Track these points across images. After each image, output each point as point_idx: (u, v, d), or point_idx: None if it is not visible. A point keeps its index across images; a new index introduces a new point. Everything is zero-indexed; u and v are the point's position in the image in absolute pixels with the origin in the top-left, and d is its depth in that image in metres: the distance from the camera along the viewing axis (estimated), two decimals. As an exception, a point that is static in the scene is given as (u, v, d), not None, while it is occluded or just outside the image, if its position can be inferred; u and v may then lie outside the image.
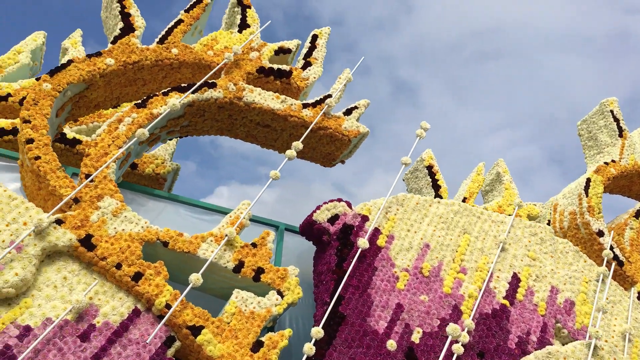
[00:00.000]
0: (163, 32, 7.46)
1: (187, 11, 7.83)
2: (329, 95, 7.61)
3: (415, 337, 5.91)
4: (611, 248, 7.93)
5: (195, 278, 5.34)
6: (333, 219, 6.55)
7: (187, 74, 7.49)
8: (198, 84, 6.87)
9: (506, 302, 6.54)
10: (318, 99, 7.56)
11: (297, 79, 7.83)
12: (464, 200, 10.88)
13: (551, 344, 6.37)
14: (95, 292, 5.13)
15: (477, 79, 40.04)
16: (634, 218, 9.39)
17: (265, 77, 7.65)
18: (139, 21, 7.33)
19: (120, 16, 7.27)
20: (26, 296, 4.86)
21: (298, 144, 6.73)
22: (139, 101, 6.58)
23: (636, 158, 9.31)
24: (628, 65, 35.17)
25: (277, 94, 7.36)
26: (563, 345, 6.47)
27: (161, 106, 6.56)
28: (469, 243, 6.92)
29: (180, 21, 7.66)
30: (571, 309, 6.81)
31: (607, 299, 7.10)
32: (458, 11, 38.93)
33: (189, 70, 7.48)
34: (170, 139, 7.27)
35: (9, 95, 7.85)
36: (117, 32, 7.16)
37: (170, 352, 5.09)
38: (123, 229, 5.55)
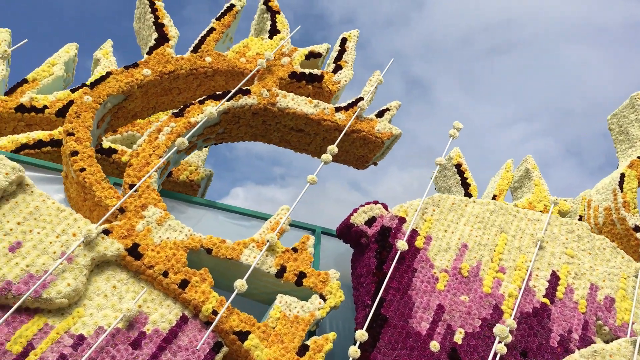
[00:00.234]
0: (196, 41, 7.55)
1: (218, 19, 7.92)
2: (361, 98, 7.63)
3: (458, 337, 5.93)
4: (648, 243, 7.88)
5: (241, 284, 5.41)
6: (370, 222, 6.58)
7: (220, 81, 7.57)
8: (233, 91, 6.93)
9: (546, 300, 6.53)
10: (350, 102, 7.58)
11: (329, 82, 7.87)
12: (493, 198, 10.87)
13: (593, 342, 6.34)
14: (144, 300, 5.23)
15: (490, 73, 39.71)
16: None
17: (298, 82, 7.71)
18: (172, 31, 7.43)
19: (154, 27, 7.37)
20: (78, 306, 4.96)
21: (333, 148, 6.76)
22: (176, 110, 6.67)
23: (670, 151, 9.21)
24: (644, 56, 34.68)
25: (309, 98, 7.41)
26: (605, 342, 6.43)
27: (198, 115, 6.65)
28: (506, 242, 6.92)
29: (212, 29, 7.75)
30: (611, 306, 6.77)
31: (646, 294, 7.05)
32: (469, 5, 38.64)
33: (223, 78, 7.56)
34: (205, 146, 7.35)
35: (45, 107, 8.01)
36: (152, 42, 7.26)
37: (219, 357, 5.16)
38: (168, 237, 5.64)
